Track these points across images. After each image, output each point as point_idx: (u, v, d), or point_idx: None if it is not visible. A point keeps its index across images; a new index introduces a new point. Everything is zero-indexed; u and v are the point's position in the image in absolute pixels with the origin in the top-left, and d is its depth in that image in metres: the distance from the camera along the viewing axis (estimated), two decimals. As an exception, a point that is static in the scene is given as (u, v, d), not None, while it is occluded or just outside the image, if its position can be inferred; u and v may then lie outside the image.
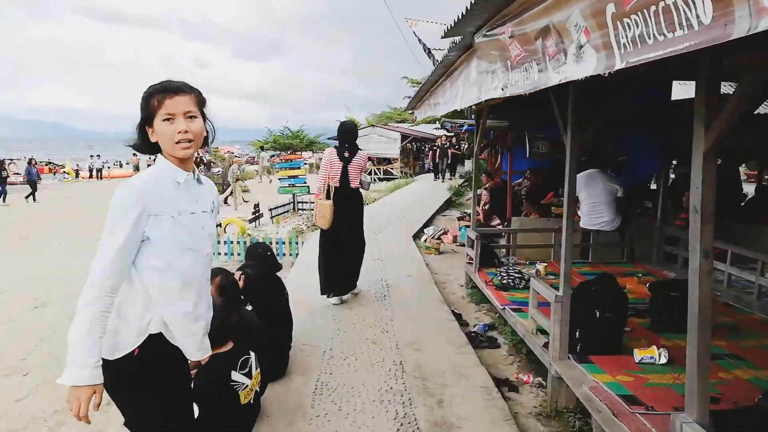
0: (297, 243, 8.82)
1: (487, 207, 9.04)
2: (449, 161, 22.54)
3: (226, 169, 29.71)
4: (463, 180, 19.71)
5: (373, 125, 29.24)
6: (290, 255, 8.80)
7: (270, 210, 13.57)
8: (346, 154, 5.20)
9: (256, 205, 13.76)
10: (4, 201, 19.70)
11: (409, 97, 27.57)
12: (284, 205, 14.34)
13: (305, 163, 14.77)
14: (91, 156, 43.00)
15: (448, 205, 14.60)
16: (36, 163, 23.56)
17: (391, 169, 27.17)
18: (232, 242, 9.03)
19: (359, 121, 40.31)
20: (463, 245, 8.84)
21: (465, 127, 11.46)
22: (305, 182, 14.37)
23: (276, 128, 43.74)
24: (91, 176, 34.43)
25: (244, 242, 8.89)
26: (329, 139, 36.60)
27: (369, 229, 7.52)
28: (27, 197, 19.88)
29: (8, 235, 12.58)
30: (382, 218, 11.37)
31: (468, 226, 9.41)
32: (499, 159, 14.94)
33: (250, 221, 13.37)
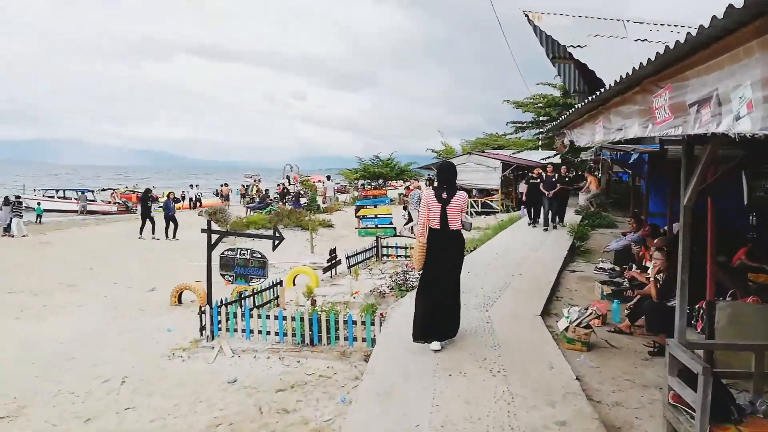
0: (372, 323, 6.14)
1: (661, 277, 5.91)
2: (556, 202, 14.39)
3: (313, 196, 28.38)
4: (582, 217, 16.24)
5: (470, 153, 26.31)
6: (363, 341, 6.15)
7: (347, 257, 11.09)
8: (444, 195, 5.12)
9: (333, 251, 11.36)
10: (153, 233, 18.46)
11: (514, 122, 24.32)
12: (366, 251, 11.82)
13: (390, 200, 12.15)
14: (191, 186, 43.69)
15: (572, 253, 11.37)
16: (174, 197, 21.24)
17: (491, 201, 24.07)
18: (284, 317, 6.51)
19: (453, 148, 37.65)
20: (619, 331, 5.84)
21: (634, 157, 8.32)
22: (391, 222, 11.80)
23: (367, 157, 42.49)
24: (191, 206, 34.21)
25: (300, 318, 6.34)
26: (421, 168, 34.50)
27: (478, 302, 6.94)
28: (167, 232, 18.57)
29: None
30: (490, 278, 8.47)
31: (616, 292, 6.61)
32: (643, 196, 11.59)
33: (325, 270, 10.97)
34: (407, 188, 24.95)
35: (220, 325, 6.61)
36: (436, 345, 5.11)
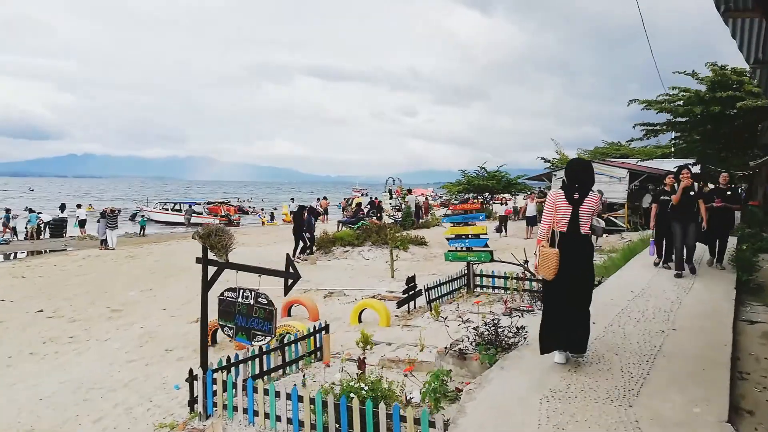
0: (432, 425, 3.68)
1: None
2: (718, 229, 9.16)
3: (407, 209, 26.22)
4: (737, 239, 12.43)
5: (591, 161, 22.71)
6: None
7: (426, 289, 8.68)
8: (576, 196, 4.61)
9: (411, 279, 9.03)
10: (311, 252, 16.95)
11: (644, 125, 20.55)
12: (452, 280, 9.34)
13: (484, 218, 9.52)
14: (292, 199, 43.66)
15: (739, 291, 8.04)
16: (315, 211, 19.76)
17: (615, 218, 20.39)
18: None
19: (569, 157, 33.83)
20: None
21: None
22: (486, 245, 9.22)
23: (471, 169, 39.68)
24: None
25: (323, 401, 4.06)
26: (530, 179, 31.14)
27: (612, 387, 4.34)
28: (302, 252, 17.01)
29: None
30: (629, 336, 5.66)
31: None
32: None
33: (399, 304, 8.68)
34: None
35: (216, 399, 4.52)
36: (560, 357, 4.73)
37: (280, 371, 5.52)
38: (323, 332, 6.05)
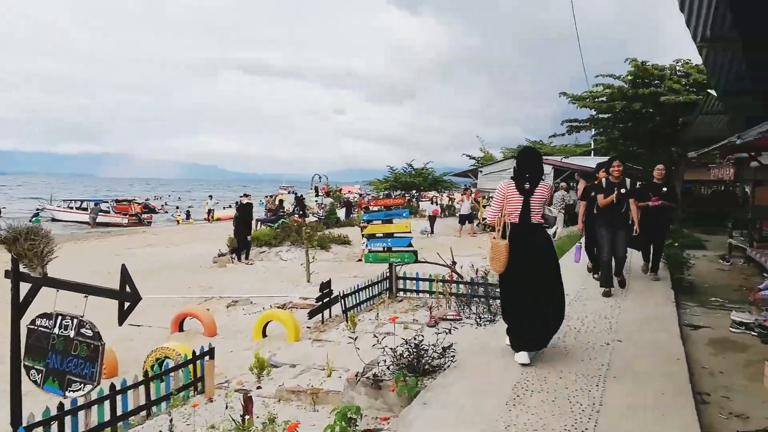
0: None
1: None
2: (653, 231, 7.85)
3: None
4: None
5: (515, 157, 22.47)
6: None
7: (342, 296, 7.59)
8: (527, 186, 4.50)
9: (325, 285, 7.91)
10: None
11: (570, 121, 20.33)
12: (371, 285, 8.31)
13: (408, 215, 8.53)
14: (210, 197, 41.20)
15: (676, 291, 7.53)
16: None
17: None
18: None
19: (493, 155, 33.85)
20: None
21: None
22: (410, 245, 8.27)
23: (399, 166, 38.96)
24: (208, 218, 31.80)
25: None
26: (455, 175, 30.86)
27: None
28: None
29: None
30: (571, 350, 4.88)
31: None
32: None
33: (311, 314, 7.56)
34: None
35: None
36: (523, 357, 4.39)
37: (144, 412, 4.25)
38: (206, 358, 4.82)
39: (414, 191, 37.09)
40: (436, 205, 24.16)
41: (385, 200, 8.60)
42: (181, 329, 7.76)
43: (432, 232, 19.72)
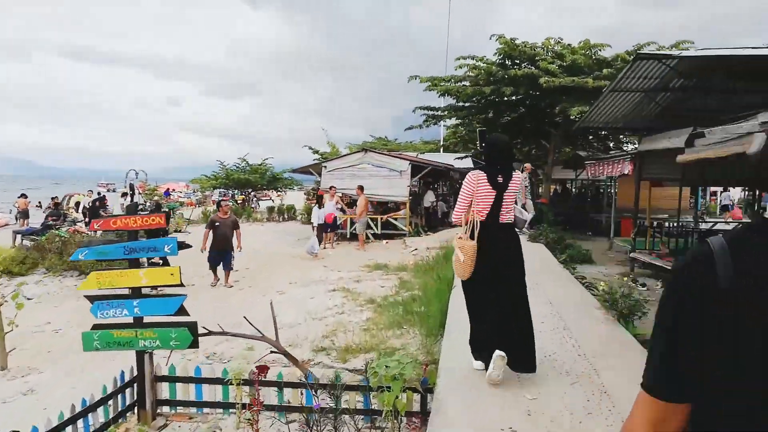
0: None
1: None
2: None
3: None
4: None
5: (366, 150, 18.81)
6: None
7: None
8: (500, 179, 3.91)
9: None
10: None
11: (426, 108, 16.51)
12: (103, 400, 3.89)
13: (174, 248, 4.17)
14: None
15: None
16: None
17: (395, 219, 16.88)
18: None
19: (339, 150, 30.22)
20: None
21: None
22: (181, 306, 4.01)
23: (231, 162, 33.49)
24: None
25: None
26: (294, 171, 26.46)
27: None
28: None
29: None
30: None
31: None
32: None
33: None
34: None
35: None
36: (495, 372, 3.68)
37: None
38: None
39: (250, 190, 32.19)
40: (337, 205, 16.85)
41: (133, 217, 4.14)
42: None
43: (317, 250, 13.24)
